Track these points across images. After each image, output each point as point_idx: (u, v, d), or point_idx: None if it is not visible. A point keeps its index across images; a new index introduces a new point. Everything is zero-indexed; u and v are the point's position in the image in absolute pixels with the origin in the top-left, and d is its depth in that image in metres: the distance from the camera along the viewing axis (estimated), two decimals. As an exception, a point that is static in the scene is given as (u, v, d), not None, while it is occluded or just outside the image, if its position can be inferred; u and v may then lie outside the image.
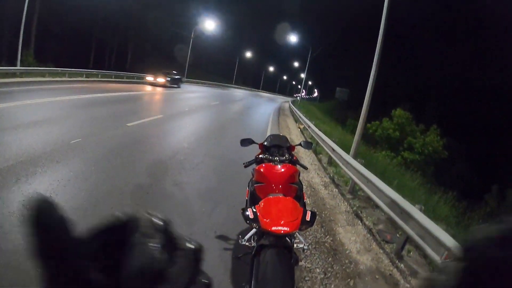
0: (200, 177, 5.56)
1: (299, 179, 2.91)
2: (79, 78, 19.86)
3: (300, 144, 3.45)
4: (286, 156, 2.99)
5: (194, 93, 24.86)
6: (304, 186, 6.03)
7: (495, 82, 31.37)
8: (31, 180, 4.03)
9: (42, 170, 4.42)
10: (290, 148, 3.15)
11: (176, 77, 26.78)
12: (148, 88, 21.58)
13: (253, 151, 3.45)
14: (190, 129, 9.84)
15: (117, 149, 6.16)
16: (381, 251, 4.16)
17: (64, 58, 26.81)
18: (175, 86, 26.25)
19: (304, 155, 9.07)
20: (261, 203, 2.24)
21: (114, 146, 6.31)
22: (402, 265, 3.89)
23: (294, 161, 3.00)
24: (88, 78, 20.89)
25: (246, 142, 3.36)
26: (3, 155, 4.69)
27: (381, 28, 7.54)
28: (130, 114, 10.00)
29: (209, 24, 41.56)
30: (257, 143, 3.27)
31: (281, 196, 2.39)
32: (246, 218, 2.15)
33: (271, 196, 2.36)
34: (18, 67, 17.00)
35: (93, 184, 4.36)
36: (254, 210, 2.16)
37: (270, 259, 2.02)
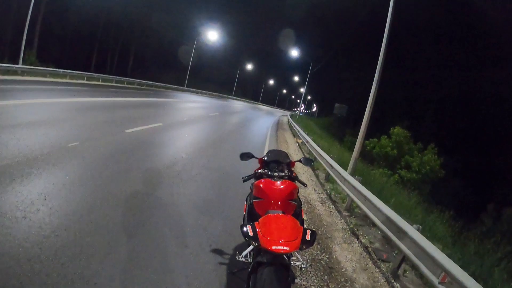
0: (197, 188, 5.47)
1: (297, 196, 2.86)
2: (80, 81, 19.87)
3: (300, 161, 3.42)
4: (286, 172, 2.95)
5: (194, 103, 24.89)
6: (301, 202, 5.98)
7: (493, 99, 31.78)
8: (26, 182, 3.94)
9: (38, 172, 4.33)
10: (290, 164, 3.11)
11: None
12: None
13: (251, 165, 3.40)
14: (188, 139, 9.76)
15: (115, 155, 6.08)
16: (377, 270, 4.10)
17: (66, 59, 26.96)
18: None
19: (301, 170, 9.02)
20: (261, 221, 2.20)
21: (111, 152, 6.22)
22: (398, 285, 3.85)
23: (293, 178, 2.98)
24: (89, 81, 20.89)
25: (245, 156, 3.33)
26: (0, 153, 4.61)
27: (382, 45, 7.62)
28: (129, 120, 9.92)
29: (212, 35, 42.01)
30: (257, 158, 3.24)
31: (280, 213, 2.36)
32: (245, 235, 2.10)
33: (270, 214, 2.32)
34: (20, 65, 16.97)
35: (89, 190, 4.27)
36: (254, 227, 2.12)
37: (267, 277, 1.99)
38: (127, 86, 25.07)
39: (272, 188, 2.64)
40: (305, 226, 2.30)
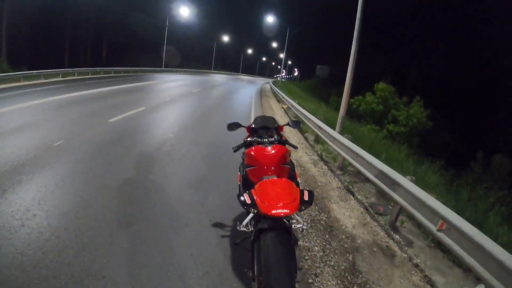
0: (189, 166, 5.48)
1: (290, 159, 2.87)
2: (56, 79, 19.13)
3: (288, 124, 3.40)
4: (275, 137, 2.94)
5: (174, 82, 24.38)
6: (294, 165, 6.03)
7: (478, 49, 31.86)
8: (17, 190, 3.86)
9: (28, 178, 4.24)
10: (278, 128, 3.10)
11: None
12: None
13: (239, 135, 3.38)
14: (174, 119, 9.68)
15: (102, 146, 5.99)
16: (376, 224, 4.21)
17: (39, 60, 25.79)
18: None
19: (290, 135, 9.06)
20: (257, 187, 2.19)
21: (98, 144, 6.12)
22: (397, 236, 3.95)
23: (283, 142, 2.97)
24: (64, 77, 20.16)
25: (233, 126, 3.28)
26: (-15, 169, 4.48)
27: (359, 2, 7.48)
28: (111, 109, 9.68)
29: (184, 11, 40.59)
30: (245, 126, 3.20)
31: (275, 178, 2.34)
32: (243, 203, 2.09)
33: (265, 179, 2.30)
34: None
35: (82, 185, 4.23)
36: (251, 194, 2.11)
37: (270, 242, 2.00)
38: (104, 75, 24.26)
39: (263, 154, 2.64)
40: (300, 188, 2.31)
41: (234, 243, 3.19)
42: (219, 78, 40.86)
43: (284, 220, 2.19)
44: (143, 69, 33.31)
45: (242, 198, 2.11)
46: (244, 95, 20.85)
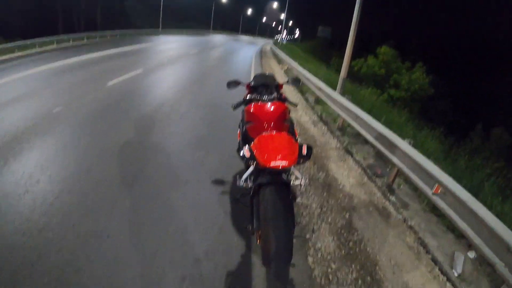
0: (189, 126, 5.51)
1: (289, 116, 2.87)
2: (51, 47, 18.52)
3: (287, 82, 3.38)
4: (275, 94, 2.93)
5: (172, 43, 23.74)
6: (293, 122, 6.04)
7: (481, 18, 30.72)
8: (19, 158, 3.87)
9: (29, 146, 4.23)
10: (278, 86, 3.08)
11: None
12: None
13: (238, 96, 3.36)
14: (172, 80, 9.56)
15: (101, 110, 5.96)
16: (373, 185, 4.29)
17: (32, 30, 24.89)
18: None
19: (290, 95, 8.98)
20: (256, 141, 2.19)
21: (97, 108, 6.07)
22: (393, 198, 4.03)
23: (283, 99, 2.95)
24: (59, 44, 19.54)
25: (232, 84, 3.25)
26: (-14, 141, 4.46)
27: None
28: (108, 73, 9.50)
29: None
30: (244, 84, 3.18)
31: (275, 132, 2.34)
32: (243, 157, 2.11)
33: (265, 134, 2.30)
34: None
35: (83, 149, 4.25)
36: (250, 148, 2.12)
37: (269, 196, 2.03)
38: (100, 40, 23.57)
39: (263, 111, 2.64)
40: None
41: (234, 199, 3.28)
42: (218, 38, 39.75)
43: (284, 175, 2.22)
44: (140, 31, 32.23)
45: (241, 152, 2.12)
46: (244, 56, 20.40)
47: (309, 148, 2.12)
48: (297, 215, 3.23)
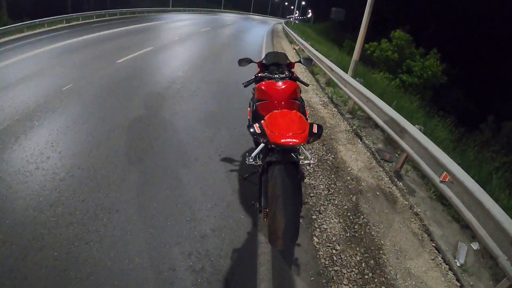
0: (199, 103, 5.52)
1: (300, 96, 2.84)
2: (60, 25, 18.40)
3: (299, 61, 3.33)
4: (286, 73, 2.90)
5: (183, 22, 23.43)
6: (304, 102, 6.00)
7: (500, 9, 29.47)
8: (30, 135, 3.95)
9: (39, 123, 4.31)
10: (290, 65, 3.04)
11: None
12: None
13: (249, 73, 3.34)
14: (183, 58, 9.49)
15: (111, 87, 6.00)
16: (381, 170, 4.25)
17: (41, 9, 24.65)
18: None
19: (301, 76, 8.87)
20: (267, 118, 2.18)
21: (107, 85, 6.11)
22: (401, 184, 3.99)
23: (294, 78, 2.92)
24: (68, 23, 19.41)
25: (244, 61, 3.22)
26: (-2, 119, 4.54)
27: None
28: (118, 51, 9.51)
29: None
30: (256, 62, 3.15)
31: (286, 110, 2.32)
32: (253, 133, 2.09)
33: (275, 111, 2.29)
34: None
35: (93, 126, 4.31)
36: (260, 125, 2.11)
37: (278, 174, 2.03)
38: (109, 18, 23.22)
39: (274, 89, 2.62)
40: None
41: (242, 177, 3.31)
42: (229, 17, 39.13)
43: (293, 155, 2.22)
44: (150, 9, 31.80)
45: (252, 129, 2.11)
46: (255, 34, 20.09)
47: (320, 127, 2.11)
48: (304, 195, 3.25)
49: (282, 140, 1.98)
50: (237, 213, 2.83)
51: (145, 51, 9.72)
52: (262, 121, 2.16)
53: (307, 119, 2.52)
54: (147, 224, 2.58)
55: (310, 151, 4.24)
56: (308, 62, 3.38)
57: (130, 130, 4.25)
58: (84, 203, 2.75)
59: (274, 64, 2.95)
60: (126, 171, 3.28)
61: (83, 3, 35.88)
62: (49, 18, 18.44)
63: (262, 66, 3.02)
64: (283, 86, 2.64)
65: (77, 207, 2.70)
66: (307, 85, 3.28)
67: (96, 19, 21.91)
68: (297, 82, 2.89)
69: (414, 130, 3.81)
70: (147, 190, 3.02)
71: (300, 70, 9.58)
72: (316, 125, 2.11)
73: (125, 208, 2.73)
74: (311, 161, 2.40)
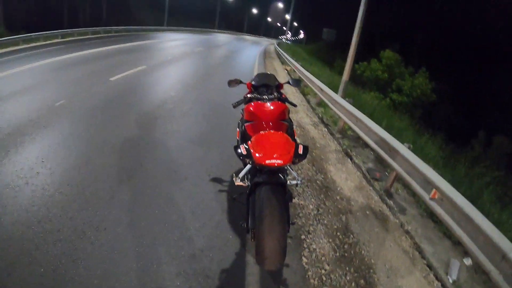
0: (190, 123, 5.55)
1: (289, 117, 2.88)
2: (55, 40, 18.54)
3: (288, 82, 3.39)
4: (275, 94, 2.95)
5: (177, 41, 23.74)
6: (293, 123, 6.06)
7: (486, 23, 30.47)
8: (21, 150, 3.91)
9: (31, 138, 4.28)
10: (279, 86, 3.10)
11: None
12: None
13: (241, 93, 3.39)
14: (176, 77, 9.60)
15: (103, 104, 6.01)
16: (371, 189, 4.29)
17: (38, 23, 24.85)
18: None
19: (292, 96, 9.01)
20: (253, 139, 2.21)
21: (99, 102, 6.13)
22: (391, 202, 4.03)
23: (283, 99, 2.98)
24: (64, 38, 19.56)
25: (233, 82, 3.29)
26: (-12, 133, 4.51)
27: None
28: (112, 68, 9.55)
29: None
30: (245, 83, 3.20)
31: (272, 131, 2.35)
32: (239, 154, 2.13)
33: (262, 132, 2.31)
34: None
35: (83, 143, 4.30)
36: (246, 146, 2.14)
37: (265, 195, 2.05)
38: (104, 35, 23.48)
39: (262, 110, 2.67)
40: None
41: (231, 198, 3.30)
42: (223, 37, 39.78)
43: (280, 175, 2.24)
44: (145, 28, 32.21)
45: (239, 149, 2.14)
46: (248, 55, 20.38)
47: (305, 148, 2.14)
48: (293, 215, 3.24)
49: (267, 161, 2.01)
50: (226, 233, 2.81)
51: (138, 69, 9.78)
52: (249, 142, 2.18)
53: (295, 140, 2.56)
54: (135, 243, 2.55)
55: (298, 171, 4.28)
56: (296, 83, 3.44)
57: (120, 148, 4.23)
58: (72, 220, 2.71)
59: (264, 85, 3.00)
60: (115, 189, 3.25)
61: (79, 19, 36.27)
62: (45, 32, 18.54)
63: (252, 87, 3.07)
64: (272, 107, 2.69)
65: (65, 224, 2.66)
66: (295, 105, 3.34)
67: (91, 35, 22.11)
68: (286, 103, 2.94)
69: (402, 148, 3.88)
70: (136, 208, 2.99)
71: (291, 91, 9.72)
72: (302, 146, 2.14)
73: (113, 226, 2.69)
74: (298, 181, 2.40)
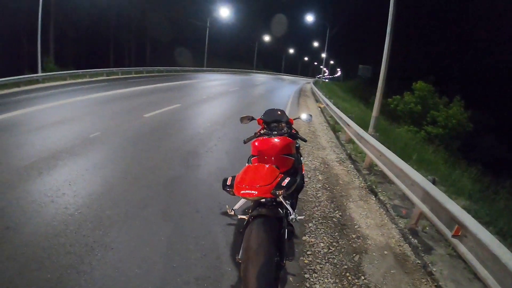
0: (212, 159, 5.69)
1: (296, 152, 2.86)
2: (100, 78, 20.17)
3: (299, 118, 3.40)
4: (285, 129, 2.95)
5: (214, 81, 24.85)
6: (317, 163, 6.01)
7: None
8: (52, 173, 4.40)
9: (63, 163, 4.77)
10: (289, 121, 3.10)
11: None
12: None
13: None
14: (206, 116, 9.93)
15: (134, 139, 6.43)
16: (394, 227, 4.02)
17: (85, 60, 27.36)
18: None
19: (321, 133, 9.00)
20: (241, 171, 2.22)
21: (131, 136, 6.58)
22: (415, 241, 3.73)
23: (293, 134, 2.97)
24: (108, 76, 21.25)
25: (245, 119, 3.36)
26: (28, 153, 5.11)
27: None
28: (147, 106, 10.23)
29: (224, 12, 41.45)
30: (255, 119, 3.23)
31: (259, 164, 2.36)
32: (223, 184, 2.16)
33: (250, 165, 2.32)
34: (40, 74, 17.12)
35: (109, 172, 4.64)
36: (234, 177, 2.16)
37: (255, 227, 2.04)
38: (146, 75, 25.30)
39: (266, 145, 2.68)
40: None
41: (238, 231, 3.28)
42: (260, 77, 41.02)
43: (279, 210, 2.20)
44: (185, 68, 34.27)
45: (224, 180, 2.18)
46: (283, 94, 20.74)
47: (291, 181, 2.10)
48: (300, 253, 3.14)
49: (242, 192, 2.00)
50: (225, 266, 2.78)
51: (173, 107, 10.34)
52: (237, 174, 2.20)
53: (303, 176, 2.51)
54: (135, 265, 2.66)
55: (314, 208, 4.17)
56: (308, 118, 3.45)
57: (142, 178, 4.51)
58: (85, 238, 2.96)
59: (275, 121, 3.01)
60: (130, 215, 3.45)
61: (124, 57, 39.39)
62: (91, 70, 20.23)
63: (264, 123, 3.08)
64: (275, 142, 2.69)
65: (77, 240, 2.92)
66: (305, 140, 3.33)
67: (134, 75, 23.81)
68: (296, 138, 2.95)
69: (423, 181, 3.66)
70: (144, 234, 3.13)
71: (321, 128, 9.73)
72: (288, 179, 2.10)
73: (119, 248, 2.87)
74: (292, 216, 2.28)
